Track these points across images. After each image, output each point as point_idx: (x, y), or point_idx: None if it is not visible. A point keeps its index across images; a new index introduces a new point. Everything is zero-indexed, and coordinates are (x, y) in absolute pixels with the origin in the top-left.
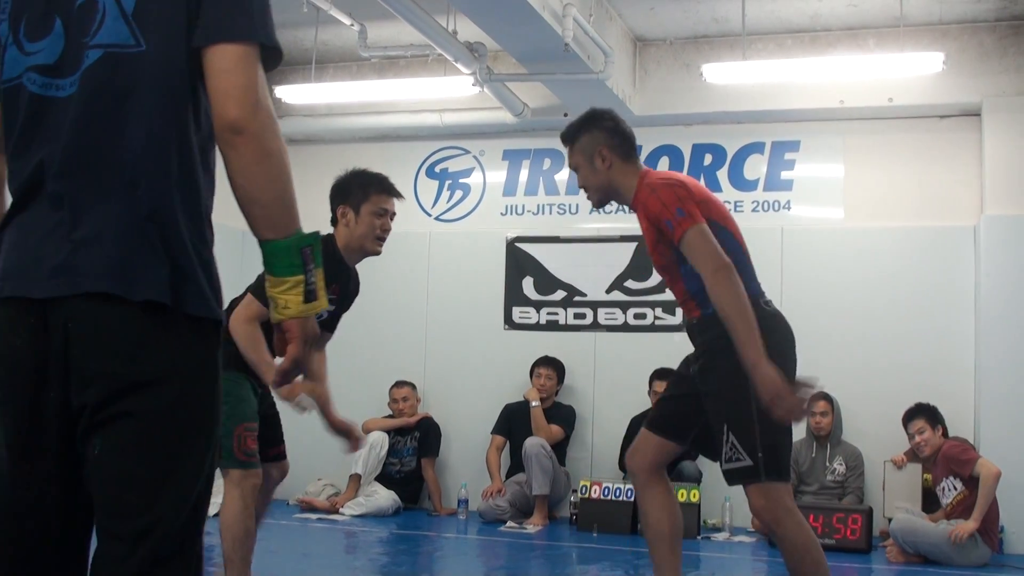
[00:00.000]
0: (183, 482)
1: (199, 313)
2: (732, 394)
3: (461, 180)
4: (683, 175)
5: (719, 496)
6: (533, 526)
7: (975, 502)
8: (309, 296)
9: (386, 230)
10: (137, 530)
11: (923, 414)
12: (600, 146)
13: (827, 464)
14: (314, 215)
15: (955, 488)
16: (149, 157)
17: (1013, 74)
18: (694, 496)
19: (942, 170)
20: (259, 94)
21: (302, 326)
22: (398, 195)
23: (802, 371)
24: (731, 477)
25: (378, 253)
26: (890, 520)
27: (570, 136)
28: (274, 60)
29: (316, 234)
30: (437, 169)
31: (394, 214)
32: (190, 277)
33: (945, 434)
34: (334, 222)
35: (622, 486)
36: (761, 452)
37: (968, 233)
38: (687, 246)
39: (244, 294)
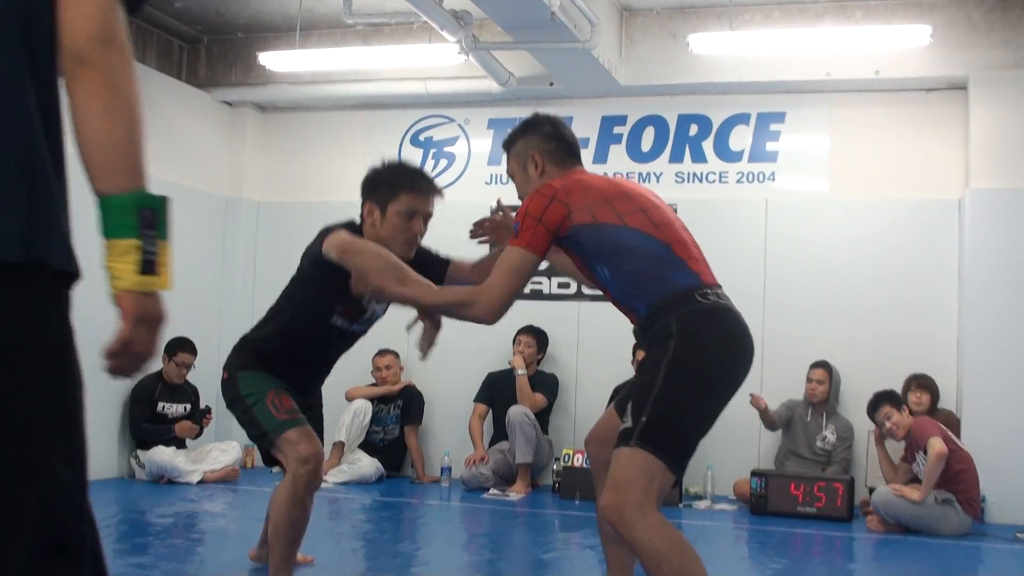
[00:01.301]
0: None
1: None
2: (646, 374)
3: (446, 149)
4: (597, 178)
5: (700, 465)
6: (516, 494)
7: (953, 475)
8: (146, 267)
9: (416, 233)
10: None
11: (886, 400)
12: (533, 151)
13: (820, 431)
14: (300, 184)
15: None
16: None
17: (1000, 48)
18: None
19: (928, 143)
20: (112, 26)
21: (138, 304)
22: (435, 192)
23: (786, 342)
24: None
25: (409, 259)
26: (871, 491)
27: (507, 143)
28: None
29: (163, 199)
30: (422, 138)
31: (429, 215)
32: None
33: (935, 404)
34: (361, 220)
35: None
36: (646, 418)
37: (953, 206)
38: (501, 257)
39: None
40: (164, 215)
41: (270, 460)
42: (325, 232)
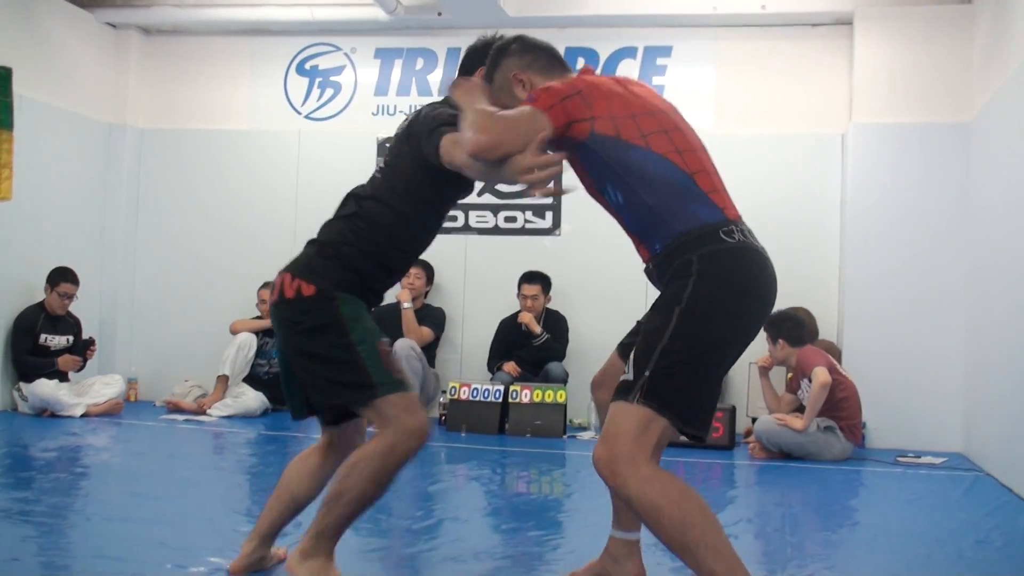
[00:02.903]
0: None
1: None
2: (654, 319)
3: (332, 78)
4: (615, 83)
5: (585, 397)
6: None
7: (836, 402)
8: None
9: None
10: None
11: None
12: (514, 73)
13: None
14: (185, 111)
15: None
16: None
17: None
18: (560, 397)
19: (813, 78)
20: None
21: None
22: None
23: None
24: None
25: None
26: (754, 420)
27: (488, 77)
28: None
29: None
30: (307, 66)
31: None
32: None
33: (813, 337)
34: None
35: (490, 387)
36: (649, 372)
37: (836, 140)
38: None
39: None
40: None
41: (336, 416)
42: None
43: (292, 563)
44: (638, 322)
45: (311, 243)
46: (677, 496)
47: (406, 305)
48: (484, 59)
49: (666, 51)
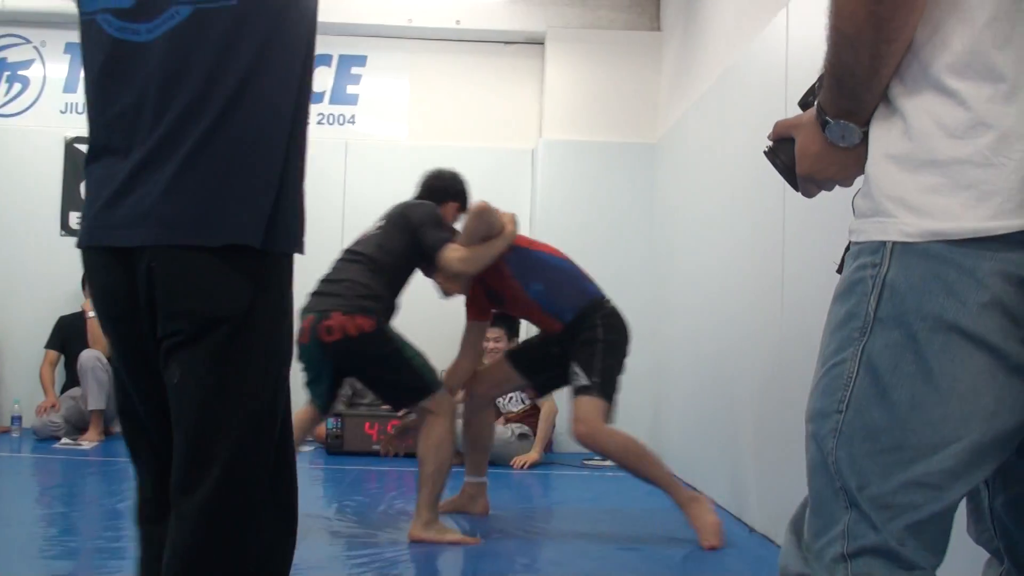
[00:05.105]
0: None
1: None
2: (584, 352)
3: (20, 72)
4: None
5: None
6: (88, 442)
7: (536, 417)
8: None
9: None
10: (205, 458)
11: (502, 324)
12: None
13: None
14: None
15: (523, 402)
16: None
17: (578, 6)
18: None
19: (506, 94)
20: None
21: None
22: None
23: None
24: (575, 391)
25: None
26: None
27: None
28: None
29: None
30: None
31: None
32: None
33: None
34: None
35: None
36: (598, 379)
37: (527, 155)
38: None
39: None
40: None
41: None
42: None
43: (418, 533)
44: (526, 341)
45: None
46: (629, 442)
47: (91, 314)
48: (452, 189)
49: (360, 60)
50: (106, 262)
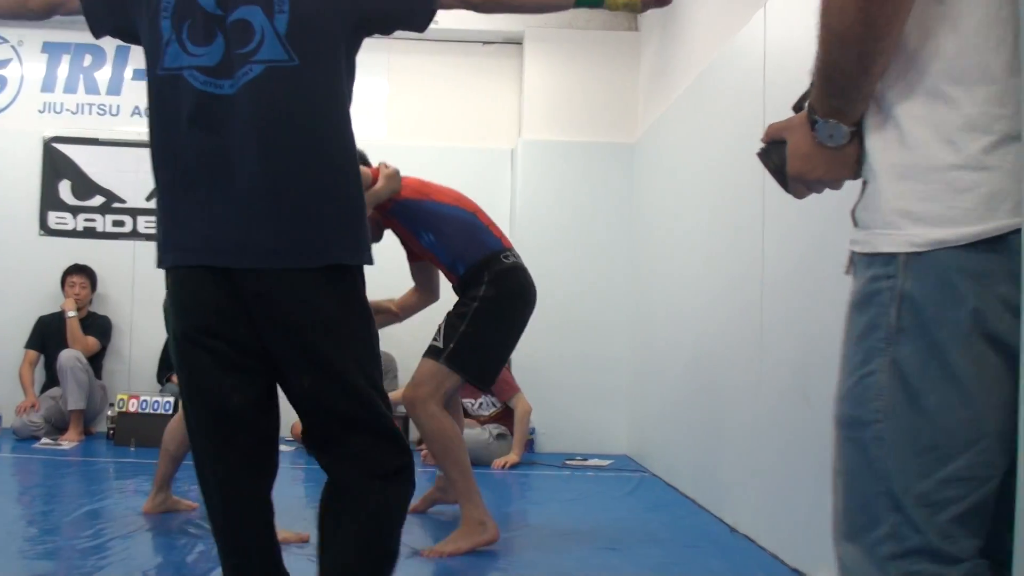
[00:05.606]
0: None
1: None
2: (457, 310)
3: None
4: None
5: None
6: (68, 442)
7: (510, 419)
8: None
9: None
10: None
11: None
12: None
13: None
14: None
15: (494, 405)
16: None
17: None
18: None
19: (485, 94)
20: None
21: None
22: None
23: None
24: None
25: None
26: None
27: None
28: None
29: None
30: None
31: None
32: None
33: None
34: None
35: (160, 399)
36: (453, 344)
37: (506, 155)
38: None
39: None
40: None
41: None
42: None
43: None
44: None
45: None
46: (444, 433)
47: (71, 314)
48: None
49: None
50: (209, 281)
